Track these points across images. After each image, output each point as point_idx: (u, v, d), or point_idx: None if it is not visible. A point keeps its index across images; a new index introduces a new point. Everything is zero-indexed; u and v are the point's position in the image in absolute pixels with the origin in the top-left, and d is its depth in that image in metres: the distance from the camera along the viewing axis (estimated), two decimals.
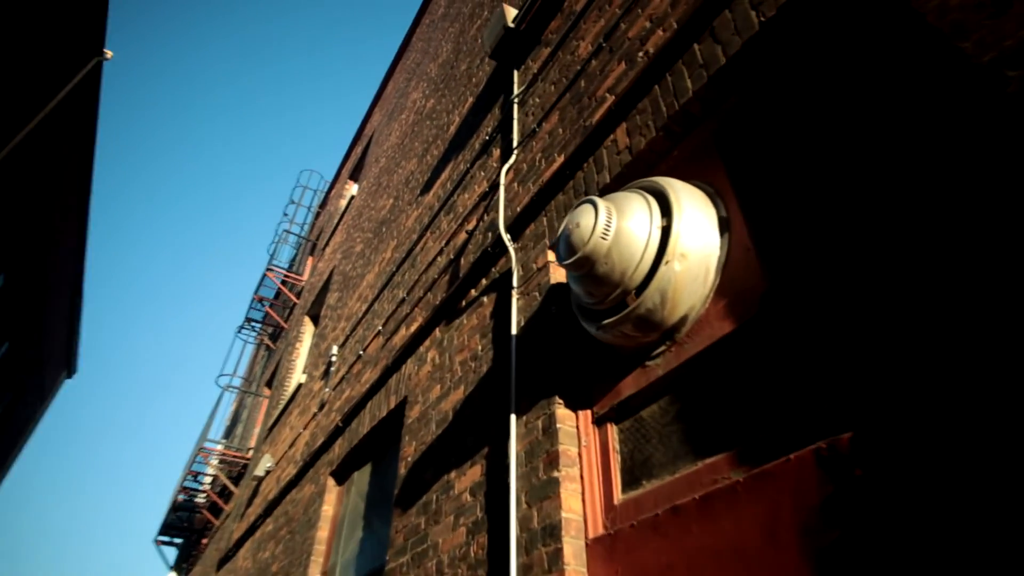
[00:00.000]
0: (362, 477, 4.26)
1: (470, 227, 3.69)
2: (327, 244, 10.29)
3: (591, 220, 1.91)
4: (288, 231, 12.23)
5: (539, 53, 3.75)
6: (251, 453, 9.41)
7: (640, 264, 1.84)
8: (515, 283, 2.77)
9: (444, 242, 4.08)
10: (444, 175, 4.79)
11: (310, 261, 12.91)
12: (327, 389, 5.76)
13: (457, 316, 3.36)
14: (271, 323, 11.54)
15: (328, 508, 4.47)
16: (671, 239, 1.81)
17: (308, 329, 9.37)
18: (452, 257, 3.81)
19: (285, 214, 13.38)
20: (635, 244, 1.85)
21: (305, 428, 6.08)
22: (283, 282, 10.81)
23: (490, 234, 3.36)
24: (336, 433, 4.78)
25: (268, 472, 6.99)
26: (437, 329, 3.58)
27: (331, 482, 4.60)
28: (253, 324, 11.58)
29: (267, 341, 11.54)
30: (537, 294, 2.58)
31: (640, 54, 2.54)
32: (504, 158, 3.60)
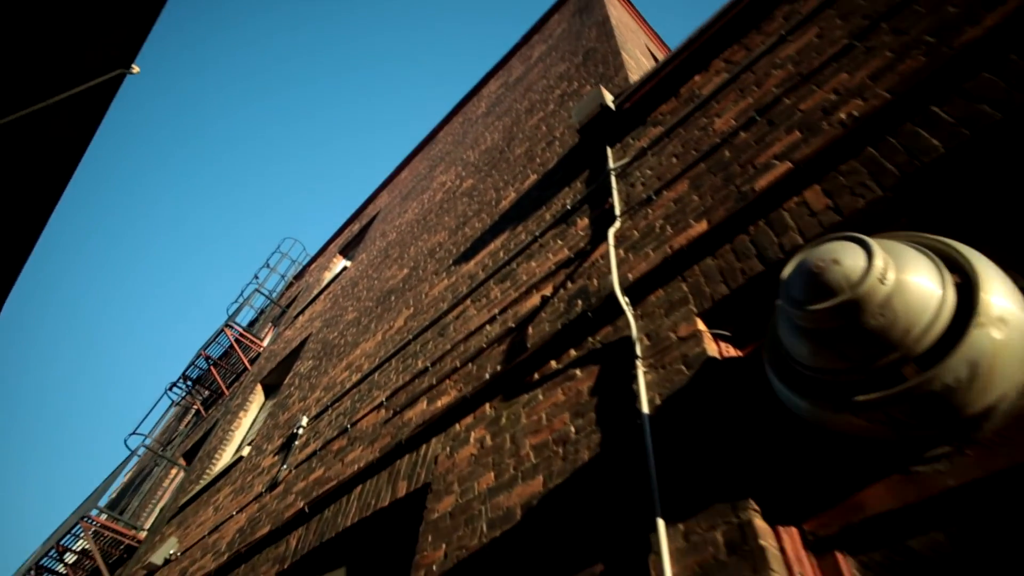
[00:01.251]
0: None
1: (546, 293, 3.16)
2: (301, 313, 9.45)
3: (860, 260, 1.43)
4: (259, 290, 11.29)
5: (645, 132, 3.52)
6: (145, 534, 7.75)
7: (934, 323, 1.34)
8: (639, 352, 2.21)
9: (497, 310, 3.51)
10: (493, 245, 4.34)
11: (270, 329, 11.89)
12: (284, 466, 4.75)
13: (526, 390, 2.71)
14: (210, 386, 10.22)
15: None
16: (981, 297, 1.34)
17: (258, 399, 8.23)
18: (513, 326, 3.23)
19: (256, 277, 12.52)
20: (925, 296, 1.37)
21: (242, 511, 4.94)
22: (238, 343, 9.73)
23: (579, 301, 2.84)
24: (297, 521, 3.79)
25: (169, 561, 5.60)
26: (487, 405, 2.90)
27: None
28: (188, 383, 10.20)
29: (199, 405, 10.12)
30: (683, 367, 2.02)
31: (827, 122, 2.25)
32: (598, 225, 3.19)
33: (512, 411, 2.68)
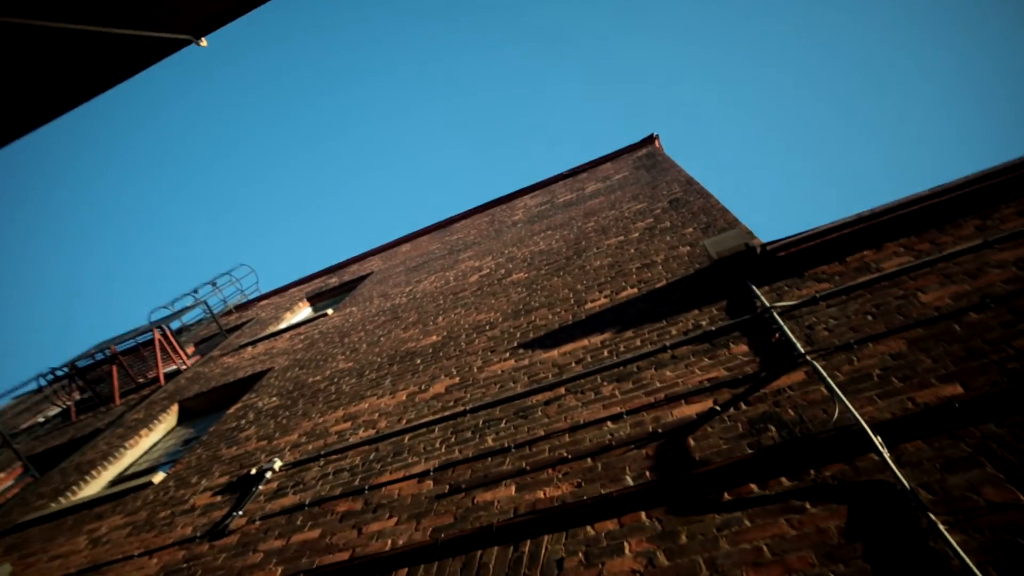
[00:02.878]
0: None
1: (708, 406, 2.79)
2: (252, 344, 8.31)
3: None
4: (204, 303, 9.89)
5: (805, 283, 3.47)
6: None
7: None
8: (927, 505, 1.85)
9: (621, 409, 3.08)
10: (587, 342, 3.97)
11: (191, 348, 10.39)
12: (238, 512, 3.73)
13: (715, 510, 2.23)
14: (96, 387, 8.45)
15: None
16: None
17: (169, 420, 6.84)
18: (657, 431, 2.79)
19: (196, 291, 11.17)
20: None
21: (150, 555, 3.75)
22: (161, 350, 8.27)
23: (772, 427, 2.49)
24: None
25: None
26: (642, 514, 2.36)
27: None
28: (74, 373, 8.35)
29: (71, 404, 8.25)
30: (1021, 541, 1.67)
31: None
32: (770, 355, 2.94)
33: (698, 530, 2.17)
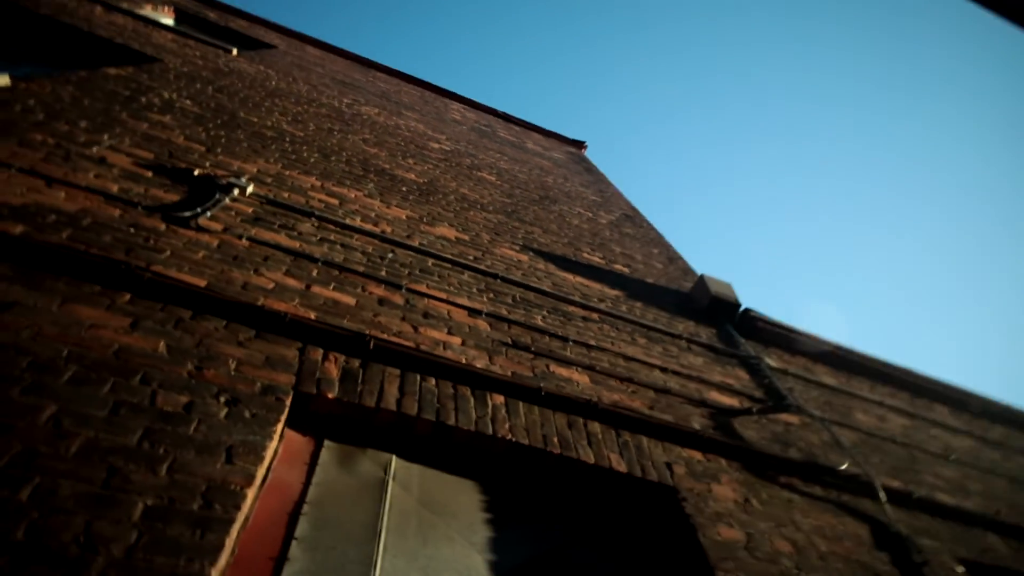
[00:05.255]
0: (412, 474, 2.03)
1: (736, 404, 3.29)
2: (99, 2, 6.03)
3: None
4: None
5: (767, 353, 4.31)
6: None
7: None
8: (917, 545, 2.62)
9: (664, 366, 3.39)
10: (601, 287, 4.18)
11: None
12: (206, 212, 2.85)
13: (779, 485, 2.69)
14: None
15: None
16: None
17: None
18: (705, 401, 3.18)
19: None
20: None
21: (53, 186, 2.60)
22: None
23: (794, 447, 3.11)
24: (302, 333, 2.34)
25: None
26: (724, 460, 2.71)
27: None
28: None
29: None
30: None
31: None
32: (773, 395, 3.62)
33: (774, 495, 2.60)
